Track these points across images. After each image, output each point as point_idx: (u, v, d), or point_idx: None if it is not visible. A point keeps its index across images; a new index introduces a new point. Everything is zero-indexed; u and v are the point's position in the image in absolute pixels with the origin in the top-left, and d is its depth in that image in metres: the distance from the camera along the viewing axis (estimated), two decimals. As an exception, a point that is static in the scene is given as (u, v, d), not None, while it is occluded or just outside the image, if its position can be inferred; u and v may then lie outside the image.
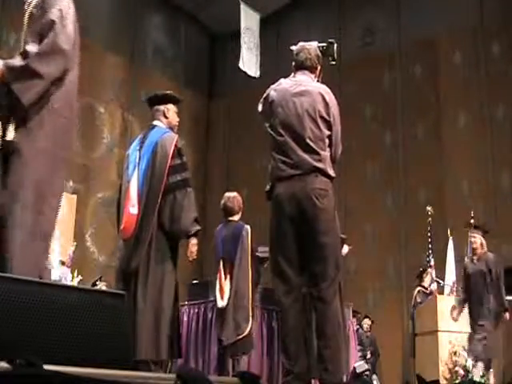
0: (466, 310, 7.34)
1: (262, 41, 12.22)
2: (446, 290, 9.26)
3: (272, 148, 3.69)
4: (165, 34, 13.56)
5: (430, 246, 9.84)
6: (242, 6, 11.99)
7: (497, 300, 7.05)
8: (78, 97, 3.03)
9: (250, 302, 5.61)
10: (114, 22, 12.33)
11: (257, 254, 5.74)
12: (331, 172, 3.62)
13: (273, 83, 3.86)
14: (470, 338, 7.16)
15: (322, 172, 3.56)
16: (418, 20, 11.73)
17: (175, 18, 13.76)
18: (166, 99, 4.53)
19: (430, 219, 9.92)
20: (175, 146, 4.31)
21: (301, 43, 3.91)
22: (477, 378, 6.81)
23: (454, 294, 8.72)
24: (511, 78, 10.66)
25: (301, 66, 3.82)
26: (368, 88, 12.09)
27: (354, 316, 8.56)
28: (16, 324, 2.08)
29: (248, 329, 5.52)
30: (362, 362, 9.49)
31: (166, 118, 4.48)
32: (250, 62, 11.84)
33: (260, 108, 3.85)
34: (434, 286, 9.35)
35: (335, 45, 3.93)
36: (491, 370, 7.04)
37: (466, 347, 7.34)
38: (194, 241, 4.28)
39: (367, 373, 9.15)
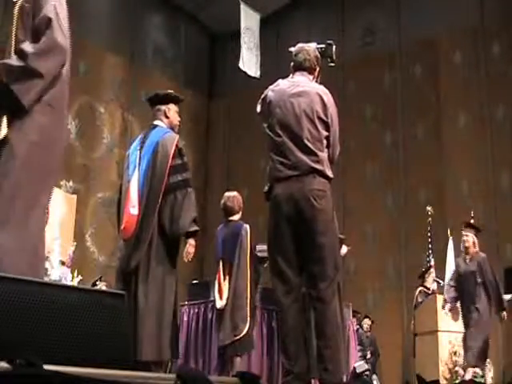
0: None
1: (262, 41, 12.20)
2: (446, 290, 9.26)
3: (270, 149, 3.68)
4: (165, 34, 13.56)
5: (430, 246, 9.85)
6: (242, 6, 11.98)
7: (494, 299, 7.06)
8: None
9: (249, 301, 5.60)
10: (113, 22, 12.32)
11: (256, 253, 5.72)
12: (329, 173, 3.61)
13: (273, 83, 3.85)
14: (464, 339, 7.16)
15: (319, 173, 3.55)
16: (418, 20, 11.72)
17: (175, 18, 13.76)
18: (167, 99, 4.50)
19: (430, 219, 9.94)
20: (176, 146, 4.28)
21: (300, 44, 3.90)
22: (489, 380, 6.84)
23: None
24: (511, 78, 10.65)
25: (299, 67, 3.81)
26: (368, 88, 12.09)
27: (353, 316, 8.56)
28: (16, 324, 2.08)
29: (246, 329, 5.50)
30: (362, 362, 9.49)
31: (167, 117, 4.45)
32: (250, 62, 11.83)
33: (258, 109, 3.84)
34: (434, 286, 9.35)
35: (334, 46, 3.93)
36: (487, 365, 7.03)
37: (462, 348, 7.35)
38: (191, 241, 4.23)
39: (367, 373, 9.16)
